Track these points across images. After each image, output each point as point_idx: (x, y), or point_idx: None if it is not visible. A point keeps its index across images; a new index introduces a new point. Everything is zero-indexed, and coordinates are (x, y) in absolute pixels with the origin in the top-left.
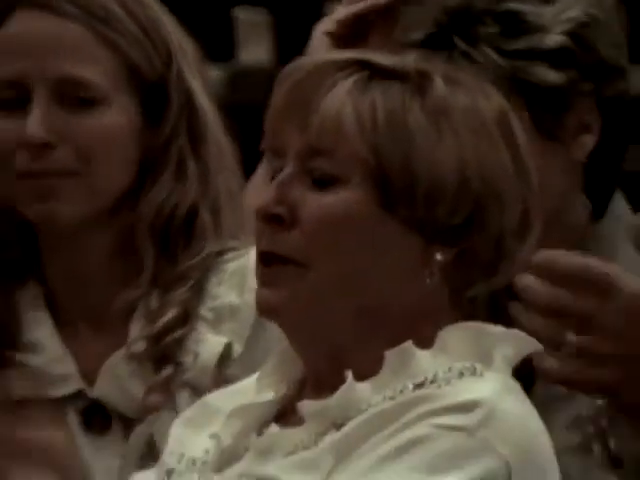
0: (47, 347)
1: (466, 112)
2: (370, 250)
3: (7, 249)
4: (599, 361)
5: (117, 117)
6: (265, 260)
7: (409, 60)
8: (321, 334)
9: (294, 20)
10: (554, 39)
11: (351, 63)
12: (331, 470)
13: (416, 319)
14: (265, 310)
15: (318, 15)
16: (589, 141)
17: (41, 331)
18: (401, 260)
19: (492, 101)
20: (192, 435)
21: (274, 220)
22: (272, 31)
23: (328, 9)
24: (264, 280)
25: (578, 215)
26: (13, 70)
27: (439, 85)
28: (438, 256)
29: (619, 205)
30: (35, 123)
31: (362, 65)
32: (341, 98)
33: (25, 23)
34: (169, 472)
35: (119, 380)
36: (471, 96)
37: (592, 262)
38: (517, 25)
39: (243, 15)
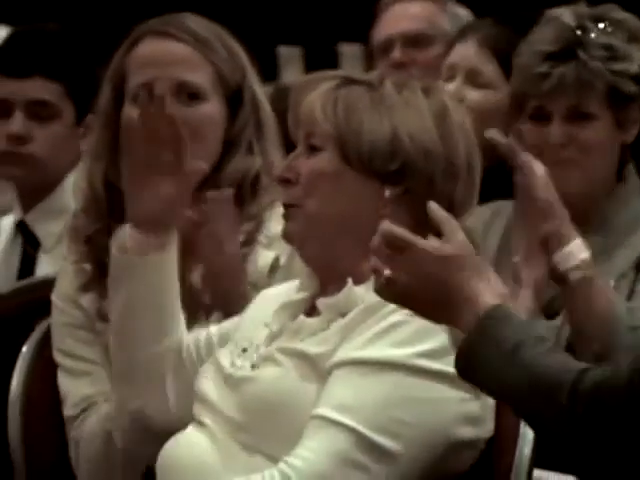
0: None
1: (405, 102)
2: (341, 190)
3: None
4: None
5: (212, 109)
6: (285, 206)
7: (373, 74)
8: (322, 253)
9: (317, 54)
10: (635, 68)
11: (330, 77)
12: (338, 344)
13: None
14: (285, 237)
15: (333, 51)
16: (635, 132)
17: None
18: (363, 196)
19: (432, 98)
20: (254, 323)
21: (286, 181)
22: (303, 61)
23: (341, 47)
24: (285, 217)
25: (613, 174)
26: (146, 76)
27: (388, 86)
28: (387, 193)
29: (632, 173)
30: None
31: (337, 77)
32: (314, 98)
33: (153, 45)
34: (244, 349)
35: None
36: (412, 93)
37: (399, 231)
38: (614, 53)
39: (284, 50)
